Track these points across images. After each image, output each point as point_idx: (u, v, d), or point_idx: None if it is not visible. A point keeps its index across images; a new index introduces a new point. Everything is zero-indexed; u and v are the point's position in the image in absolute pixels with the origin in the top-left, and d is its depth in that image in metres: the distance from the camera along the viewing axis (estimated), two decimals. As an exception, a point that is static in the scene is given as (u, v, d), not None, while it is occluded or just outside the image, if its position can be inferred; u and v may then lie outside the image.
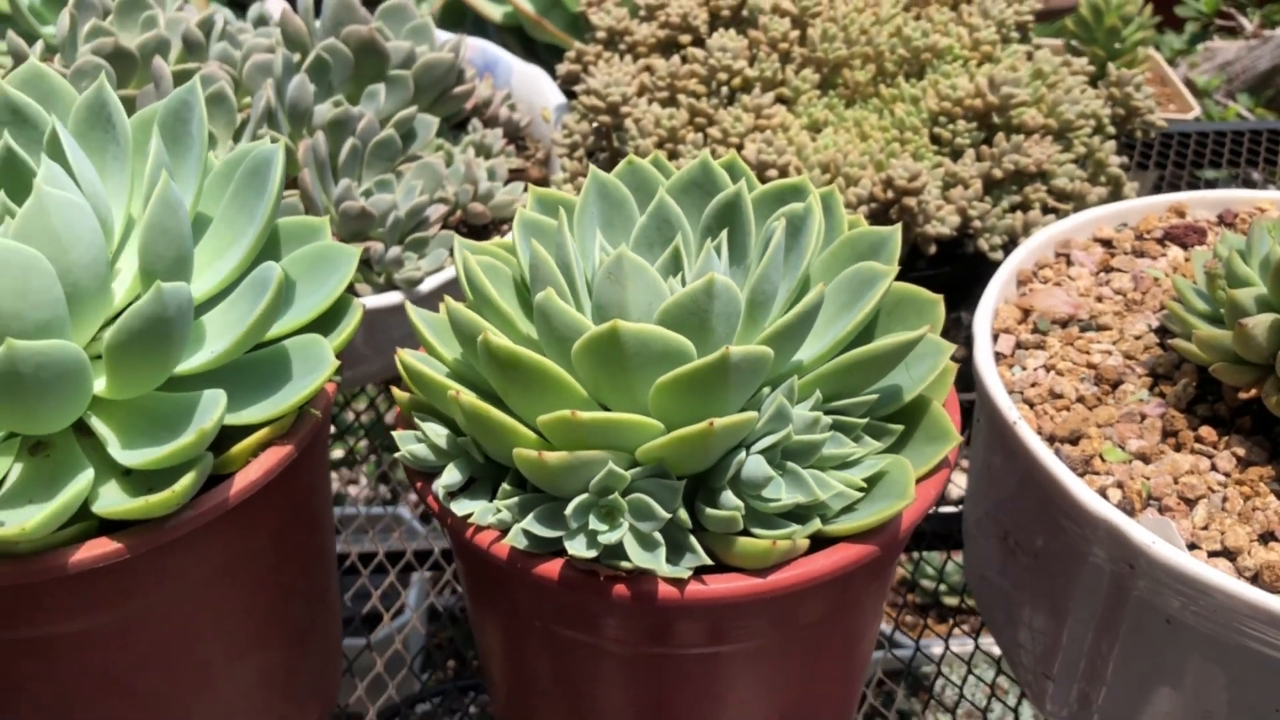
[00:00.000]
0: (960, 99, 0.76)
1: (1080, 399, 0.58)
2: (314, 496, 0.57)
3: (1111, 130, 0.80)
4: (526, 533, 0.44)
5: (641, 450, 0.43)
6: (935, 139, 0.78)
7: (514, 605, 0.50)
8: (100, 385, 0.48)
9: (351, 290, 0.56)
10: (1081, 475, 0.54)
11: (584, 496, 0.43)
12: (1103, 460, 0.55)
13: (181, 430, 0.47)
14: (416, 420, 0.49)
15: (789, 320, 0.44)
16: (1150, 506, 0.53)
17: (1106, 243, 0.69)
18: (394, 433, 0.49)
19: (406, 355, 0.48)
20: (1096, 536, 0.52)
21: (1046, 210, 0.76)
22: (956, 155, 0.77)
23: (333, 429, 0.94)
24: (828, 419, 0.45)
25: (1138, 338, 0.61)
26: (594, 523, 0.43)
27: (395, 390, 0.51)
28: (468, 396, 0.44)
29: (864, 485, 0.46)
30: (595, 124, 0.80)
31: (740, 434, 0.44)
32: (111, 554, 0.45)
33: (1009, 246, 0.75)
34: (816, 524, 0.45)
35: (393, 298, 0.73)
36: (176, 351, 0.47)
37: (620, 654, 0.50)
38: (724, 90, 0.80)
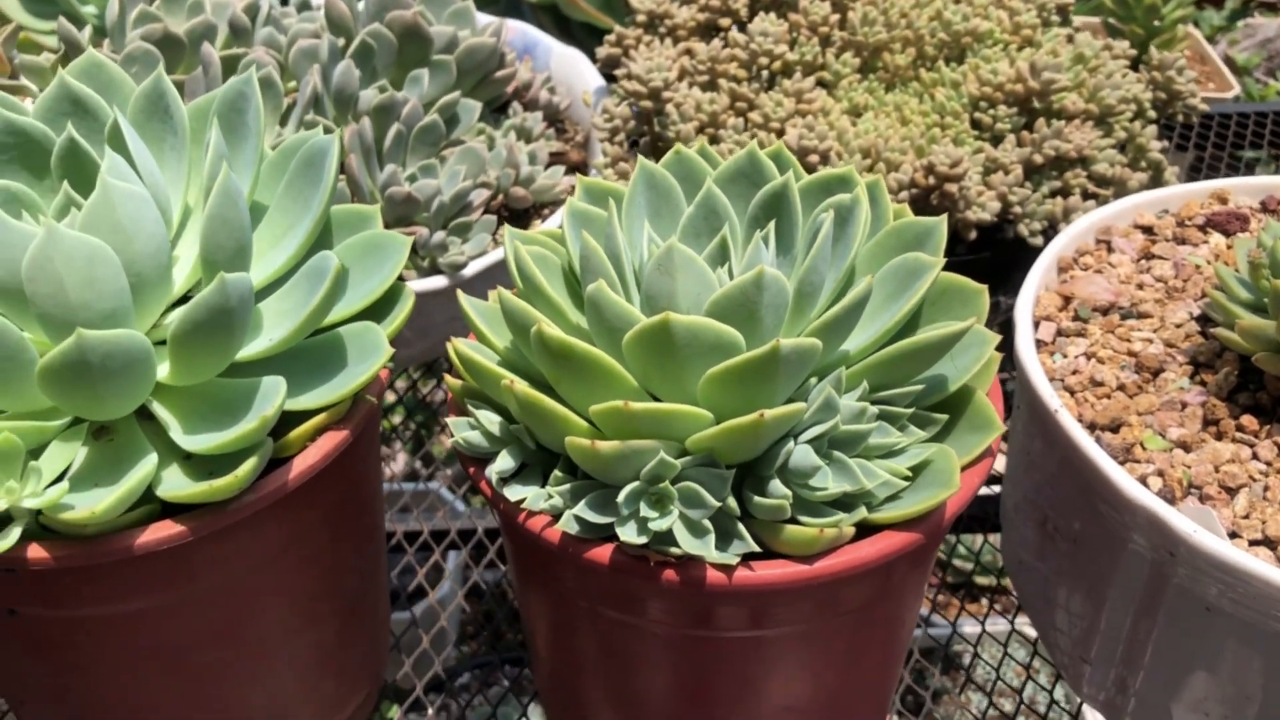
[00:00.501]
0: (1001, 84, 0.77)
1: (1121, 387, 0.59)
2: (367, 477, 0.58)
3: (1153, 115, 0.80)
4: (578, 519, 0.45)
5: (692, 440, 0.44)
6: (975, 124, 0.78)
7: (562, 587, 0.52)
8: (163, 372, 0.49)
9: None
10: (1122, 463, 0.55)
11: (635, 484, 0.44)
12: (1143, 448, 0.55)
13: (241, 416, 0.48)
14: (469, 407, 0.50)
15: (837, 312, 0.45)
16: (1191, 495, 0.53)
17: (1148, 229, 0.69)
18: (448, 419, 0.50)
19: (460, 344, 0.49)
20: (1137, 524, 0.52)
21: (1087, 196, 0.76)
22: (997, 140, 0.77)
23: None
24: (874, 409, 0.46)
25: (1179, 326, 0.61)
26: (645, 510, 0.44)
27: (448, 378, 0.52)
28: (522, 386, 0.45)
29: (909, 474, 0.47)
30: (636, 108, 0.81)
31: (789, 424, 0.44)
32: (175, 536, 0.47)
33: (1048, 232, 0.75)
34: (862, 512, 0.46)
35: (436, 282, 0.74)
36: (238, 340, 0.48)
37: (666, 636, 0.51)
38: (764, 74, 0.81)
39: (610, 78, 0.90)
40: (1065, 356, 0.61)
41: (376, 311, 0.55)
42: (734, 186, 0.53)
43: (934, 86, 0.81)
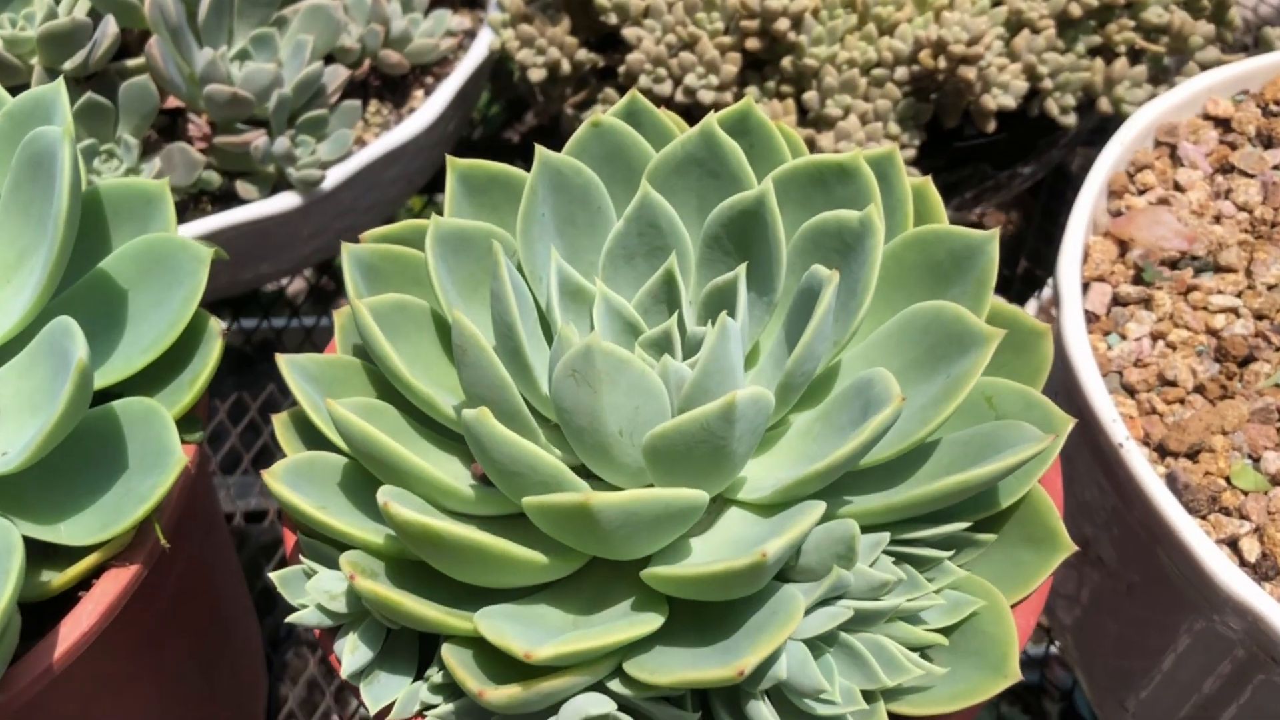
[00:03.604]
0: (1028, -100, 0.57)
1: (1199, 388, 0.44)
2: (196, 579, 0.43)
3: (1214, -74, 0.61)
4: (471, 758, 0.31)
5: (640, 678, 0.29)
6: (992, -45, 0.59)
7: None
8: None
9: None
10: (1205, 516, 0.41)
11: (552, 729, 0.30)
12: (1232, 488, 0.41)
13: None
14: (305, 563, 0.34)
15: (849, 452, 0.29)
16: (1299, 566, 0.40)
17: (1224, 123, 0.52)
18: (273, 575, 0.34)
19: (279, 485, 0.33)
20: (1228, 611, 0.39)
21: (1134, 58, 0.58)
22: (1020, -18, 0.58)
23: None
24: (899, 572, 0.31)
25: (1271, 287, 0.46)
26: (568, 761, 0.30)
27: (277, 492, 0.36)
28: (369, 585, 0.29)
29: (943, 639, 0.33)
30: (541, -61, 0.60)
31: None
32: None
33: (1083, 108, 0.58)
34: (881, 712, 0.32)
35: (286, 201, 0.56)
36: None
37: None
38: (710, -117, 0.60)
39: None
40: (1125, 338, 0.46)
41: (170, 362, 0.38)
42: (681, 179, 0.36)
43: (935, -105, 0.61)
